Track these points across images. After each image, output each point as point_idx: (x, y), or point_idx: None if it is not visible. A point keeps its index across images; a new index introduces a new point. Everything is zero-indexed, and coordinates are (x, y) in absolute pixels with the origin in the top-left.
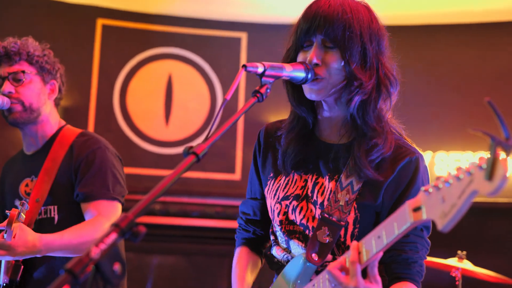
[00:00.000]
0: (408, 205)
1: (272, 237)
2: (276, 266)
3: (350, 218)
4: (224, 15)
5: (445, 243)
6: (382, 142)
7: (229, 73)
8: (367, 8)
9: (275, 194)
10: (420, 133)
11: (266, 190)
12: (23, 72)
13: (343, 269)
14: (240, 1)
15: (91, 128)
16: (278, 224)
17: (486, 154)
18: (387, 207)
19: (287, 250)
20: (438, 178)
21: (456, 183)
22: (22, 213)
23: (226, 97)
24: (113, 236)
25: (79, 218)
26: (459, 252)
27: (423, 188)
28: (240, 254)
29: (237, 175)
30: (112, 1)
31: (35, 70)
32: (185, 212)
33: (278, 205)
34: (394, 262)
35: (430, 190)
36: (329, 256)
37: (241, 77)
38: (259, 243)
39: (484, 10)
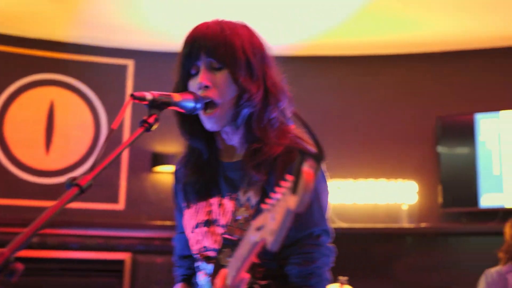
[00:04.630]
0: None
1: (195, 264)
2: None
3: None
4: (110, 41)
5: None
6: (266, 148)
7: (115, 101)
8: (245, 26)
9: (188, 224)
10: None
11: (182, 222)
12: None
13: None
14: (127, 27)
15: None
16: (197, 252)
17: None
18: None
19: (208, 275)
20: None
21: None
22: None
23: (112, 127)
24: None
25: None
26: (340, 277)
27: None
28: None
29: (120, 205)
30: None
31: None
32: (64, 244)
33: (192, 235)
34: (290, 276)
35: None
36: None
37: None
38: (193, 276)
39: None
